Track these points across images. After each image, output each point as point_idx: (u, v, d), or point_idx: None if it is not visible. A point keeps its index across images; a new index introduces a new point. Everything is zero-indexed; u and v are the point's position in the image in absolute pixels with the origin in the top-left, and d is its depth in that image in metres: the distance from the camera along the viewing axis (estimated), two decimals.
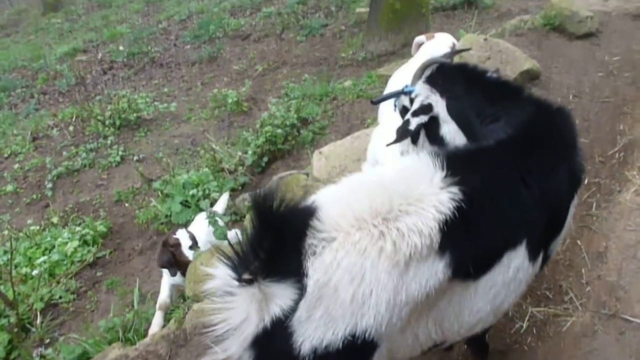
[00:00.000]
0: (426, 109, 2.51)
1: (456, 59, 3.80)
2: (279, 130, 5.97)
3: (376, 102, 2.69)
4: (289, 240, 1.54)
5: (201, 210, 5.21)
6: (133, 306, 4.62)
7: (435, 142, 2.66)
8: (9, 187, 7.54)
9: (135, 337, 3.83)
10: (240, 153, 6.31)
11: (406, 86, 2.64)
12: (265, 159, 5.99)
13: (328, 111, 6.66)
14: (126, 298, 4.74)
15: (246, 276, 1.50)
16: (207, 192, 5.28)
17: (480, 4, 8.87)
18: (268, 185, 4.96)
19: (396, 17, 8.05)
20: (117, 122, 8.10)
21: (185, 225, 5.27)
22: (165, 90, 9.62)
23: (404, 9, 7.97)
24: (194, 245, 3.53)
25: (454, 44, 3.42)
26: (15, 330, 4.38)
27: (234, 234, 4.50)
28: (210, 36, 11.50)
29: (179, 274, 3.62)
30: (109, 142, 7.85)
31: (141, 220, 6.01)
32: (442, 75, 2.46)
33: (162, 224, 5.52)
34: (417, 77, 2.53)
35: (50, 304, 4.82)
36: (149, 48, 11.59)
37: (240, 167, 5.97)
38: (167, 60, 11.17)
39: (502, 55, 4.47)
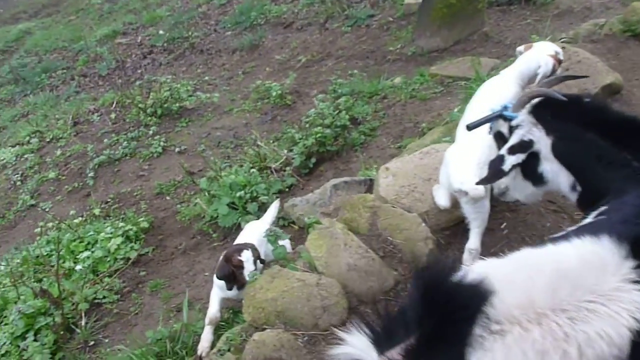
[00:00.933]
0: (526, 146, 2.24)
1: None
2: (328, 131, 5.72)
3: (472, 128, 2.43)
4: (454, 325, 1.29)
5: (248, 213, 5.04)
6: (179, 311, 4.51)
7: (531, 179, 2.39)
8: (51, 174, 7.52)
9: (184, 352, 3.71)
10: (286, 151, 6.11)
11: (506, 108, 2.36)
12: (313, 160, 5.77)
13: (379, 111, 6.38)
14: (170, 302, 4.62)
15: (395, 355, 1.27)
16: (254, 194, 5.09)
17: (538, 0, 8.39)
18: (321, 191, 4.73)
19: (450, 12, 7.65)
20: (159, 111, 7.97)
21: (232, 228, 5.14)
22: (206, 78, 9.44)
23: (459, 3, 7.57)
24: (257, 262, 3.32)
25: (557, 56, 3.08)
26: (61, 332, 4.31)
27: (286, 243, 4.32)
28: (251, 23, 11.23)
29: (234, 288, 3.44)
30: (150, 131, 7.73)
31: (184, 216, 5.88)
32: (551, 110, 2.17)
33: (207, 224, 5.37)
34: (521, 104, 2.25)
35: (94, 304, 4.73)
36: (189, 33, 11.40)
37: (287, 168, 5.76)
38: (208, 47, 10.96)
39: (582, 67, 4.12)
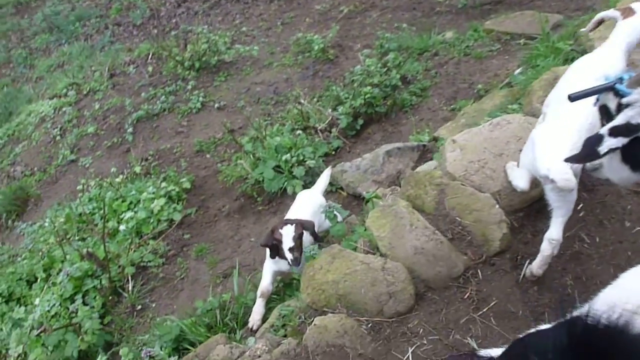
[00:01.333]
0: (632, 129, 1.94)
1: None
2: (377, 91, 5.42)
3: (576, 99, 2.12)
4: None
5: (294, 177, 4.86)
6: (225, 277, 4.45)
7: (630, 163, 2.11)
8: (90, 128, 7.45)
9: (234, 323, 3.64)
10: (330, 111, 5.84)
11: (621, 80, 2.05)
12: (361, 121, 5.50)
13: (430, 70, 6.01)
14: (216, 268, 4.55)
15: None
16: (301, 157, 4.89)
17: None
18: (373, 157, 4.50)
19: None
20: (197, 65, 7.73)
21: (277, 193, 4.98)
22: (244, 29, 9.09)
23: None
24: (304, 238, 3.17)
25: None
26: (109, 296, 4.29)
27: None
28: None
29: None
30: (189, 86, 7.53)
31: (226, 176, 5.75)
32: None
33: (251, 187, 5.22)
34: (638, 82, 1.95)
35: (140, 267, 4.69)
36: None
37: (333, 129, 5.51)
38: None
39: None
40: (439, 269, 2.69)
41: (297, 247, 3.17)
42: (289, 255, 3.16)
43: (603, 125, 2.13)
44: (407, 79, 5.89)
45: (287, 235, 3.15)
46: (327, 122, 5.64)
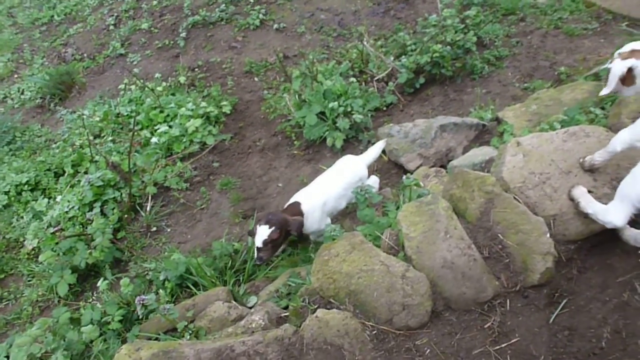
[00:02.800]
0: None
1: None
2: (447, 49, 4.89)
3: None
4: None
5: (337, 129, 4.53)
6: (245, 218, 4.30)
7: None
8: (145, 24, 7.18)
9: (242, 275, 3.53)
10: (392, 59, 5.37)
11: None
12: (422, 79, 5.03)
13: (512, 37, 5.38)
14: (238, 206, 4.39)
15: None
16: (349, 109, 4.53)
17: None
18: (425, 127, 4.11)
19: None
20: None
21: (316, 141, 4.68)
22: None
23: None
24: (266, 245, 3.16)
25: None
26: (126, 212, 4.22)
27: (374, 181, 3.85)
28: None
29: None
30: None
31: (269, 107, 5.47)
32: None
33: (290, 127, 4.94)
34: None
35: (162, 187, 4.58)
36: None
37: (390, 83, 5.08)
38: None
39: None
40: (464, 289, 2.41)
41: (267, 250, 3.16)
42: (255, 252, 3.16)
43: None
44: (483, 42, 5.30)
45: (260, 236, 3.12)
46: (386, 72, 5.19)
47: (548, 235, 2.49)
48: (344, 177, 3.51)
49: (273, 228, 3.14)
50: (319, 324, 2.39)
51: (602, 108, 3.48)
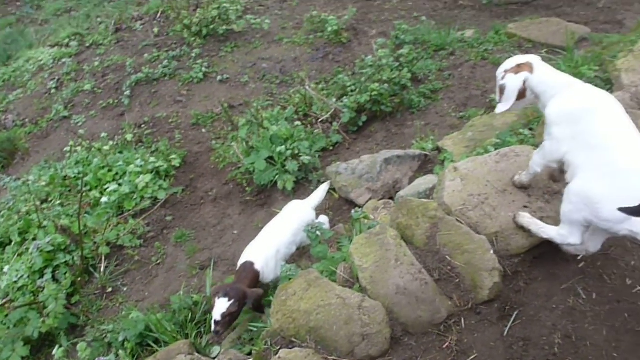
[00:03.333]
0: None
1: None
2: (385, 87, 5.13)
3: None
4: None
5: (286, 172, 4.63)
6: (202, 269, 4.28)
7: None
8: (87, 85, 7.18)
9: (203, 330, 3.49)
10: (334, 101, 5.57)
11: None
12: (364, 117, 5.24)
13: (444, 70, 5.70)
14: (194, 258, 4.38)
15: None
16: (296, 151, 4.65)
17: None
18: (370, 163, 4.26)
19: None
20: (204, 32, 7.41)
21: (267, 186, 4.76)
22: None
23: None
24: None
25: None
26: (80, 275, 4.12)
27: (324, 220, 3.94)
28: None
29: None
30: (194, 53, 7.22)
31: (219, 157, 5.52)
32: None
33: (241, 175, 5.01)
34: None
35: (116, 247, 4.51)
36: None
37: (334, 123, 5.25)
38: None
39: None
40: (420, 313, 2.50)
41: (224, 323, 3.10)
42: (212, 325, 3.10)
43: None
44: (418, 77, 5.60)
45: (218, 309, 3.07)
46: (329, 113, 5.37)
47: (492, 252, 2.62)
48: (291, 223, 3.59)
49: (232, 301, 3.11)
50: None
51: (530, 129, 3.74)
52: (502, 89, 2.63)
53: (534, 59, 2.63)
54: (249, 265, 3.42)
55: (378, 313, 2.46)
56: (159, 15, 8.63)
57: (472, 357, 2.49)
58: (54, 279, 4.17)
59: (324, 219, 3.92)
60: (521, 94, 2.58)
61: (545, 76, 2.54)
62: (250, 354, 2.85)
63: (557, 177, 2.90)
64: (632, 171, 2.21)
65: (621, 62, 3.66)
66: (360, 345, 2.42)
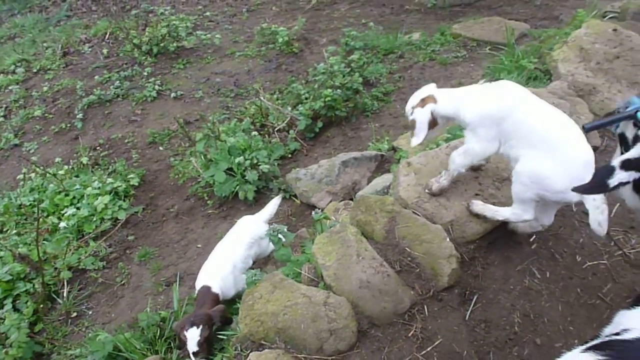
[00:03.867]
0: None
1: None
2: (339, 93, 5.23)
3: (591, 129, 2.03)
4: None
5: (246, 182, 4.65)
6: (168, 285, 4.25)
7: None
8: (37, 111, 7.03)
9: (172, 342, 3.46)
10: (290, 109, 5.64)
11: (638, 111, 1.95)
12: (320, 124, 5.33)
13: (394, 73, 5.86)
14: (159, 275, 4.33)
15: None
16: (255, 161, 4.68)
17: None
18: (329, 166, 4.34)
19: None
20: (155, 50, 7.39)
21: (228, 197, 4.77)
22: (208, 14, 8.75)
23: None
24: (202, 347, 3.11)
25: None
26: (42, 302, 4.02)
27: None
28: None
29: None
30: (145, 72, 7.19)
31: (178, 173, 5.50)
32: None
33: (201, 188, 5.00)
34: None
35: (78, 270, 4.43)
36: None
37: (291, 130, 5.32)
38: None
39: (635, 55, 3.63)
40: (384, 304, 2.56)
41: (203, 349, 3.09)
42: (192, 358, 3.08)
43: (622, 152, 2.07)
44: (370, 81, 5.73)
45: (192, 339, 3.06)
46: (285, 121, 5.44)
47: (448, 239, 2.72)
48: (243, 238, 3.63)
49: (201, 327, 3.11)
50: None
51: None
52: (413, 124, 2.74)
53: (433, 89, 2.77)
54: (206, 290, 3.43)
55: (343, 308, 2.51)
56: (107, 36, 8.54)
57: (437, 342, 2.57)
58: (15, 309, 4.05)
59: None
60: (433, 123, 2.72)
61: (448, 99, 2.69)
62: None
63: (478, 167, 3.06)
64: (567, 144, 2.37)
65: (557, 53, 3.86)
66: (328, 341, 2.47)
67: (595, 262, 2.96)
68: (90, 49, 8.36)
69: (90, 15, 10.05)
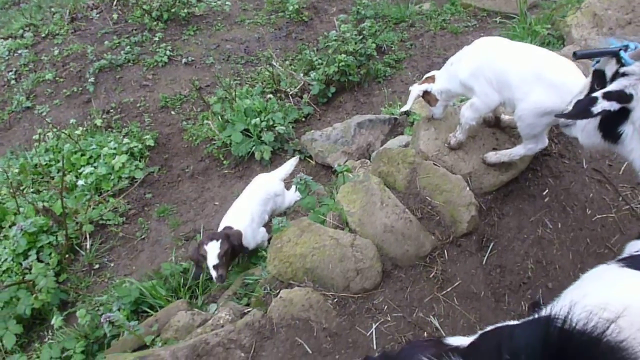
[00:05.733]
0: (623, 98, 1.96)
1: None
2: (351, 59, 5.32)
3: (581, 57, 2.14)
4: None
5: (262, 143, 4.77)
6: (187, 240, 4.38)
7: (604, 132, 2.15)
8: (48, 75, 7.05)
9: (196, 289, 3.61)
10: (302, 75, 5.73)
11: (627, 47, 2.05)
12: (333, 89, 5.42)
13: (405, 41, 5.94)
14: (178, 230, 4.47)
15: None
16: (271, 122, 4.79)
17: None
18: (344, 127, 4.45)
19: None
20: (165, 16, 7.40)
21: (244, 157, 4.89)
22: None
23: None
24: (223, 258, 3.23)
25: None
26: (65, 253, 4.16)
27: (293, 191, 4.12)
28: None
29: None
30: (156, 37, 7.20)
31: (191, 136, 5.60)
32: None
33: (217, 149, 5.10)
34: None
35: (99, 225, 4.56)
36: None
37: (304, 95, 5.42)
38: None
39: None
40: (407, 247, 2.71)
41: (223, 264, 3.21)
42: (213, 273, 3.20)
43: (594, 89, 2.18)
44: (382, 48, 5.81)
45: (212, 252, 3.18)
46: (298, 87, 5.53)
47: (467, 189, 2.86)
48: (259, 194, 3.76)
49: (220, 240, 3.25)
50: (284, 303, 2.58)
51: None
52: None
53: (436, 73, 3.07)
54: (229, 228, 3.56)
55: (369, 249, 2.66)
56: (115, 3, 8.51)
57: (456, 284, 2.73)
58: (39, 260, 4.19)
59: (293, 191, 4.12)
60: (433, 101, 3.05)
61: (442, 75, 3.01)
62: (248, 304, 3.00)
63: (492, 122, 3.18)
64: (553, 71, 2.50)
65: (570, 18, 3.96)
66: (355, 280, 2.62)
67: (603, 215, 3.12)
68: (98, 15, 8.33)
69: None
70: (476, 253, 2.85)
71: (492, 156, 2.92)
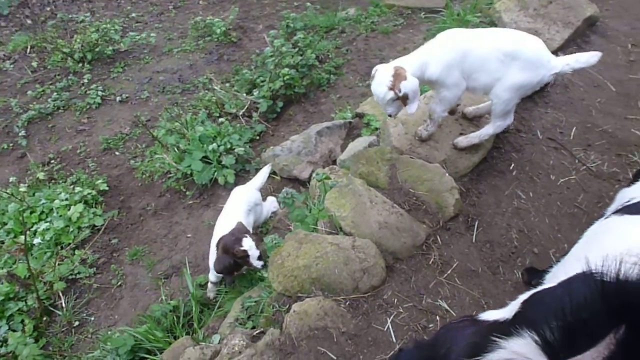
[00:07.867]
0: None
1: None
2: (294, 72, 5.41)
3: None
4: None
5: (224, 167, 4.74)
6: (167, 278, 4.28)
7: None
8: None
9: (194, 323, 3.54)
10: (246, 95, 5.74)
11: None
12: (280, 103, 5.48)
13: (340, 47, 6.11)
14: (155, 270, 4.35)
15: None
16: (229, 145, 4.77)
17: None
18: (304, 138, 4.52)
19: None
20: (89, 56, 7.17)
21: (208, 185, 4.84)
22: (133, 15, 8.56)
23: None
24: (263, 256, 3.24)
25: None
26: (41, 317, 3.94)
27: (272, 200, 4.14)
28: None
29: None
30: (84, 80, 6.97)
31: (143, 173, 5.46)
32: None
33: (177, 181, 5.01)
34: None
35: (70, 281, 4.35)
36: None
37: (254, 114, 5.44)
38: None
39: (564, 0, 4.10)
40: (403, 240, 2.82)
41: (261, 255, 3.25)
42: (258, 264, 3.24)
43: None
44: (319, 57, 5.94)
45: (252, 247, 3.20)
46: (245, 107, 5.54)
47: (447, 174, 3.01)
48: (240, 206, 3.75)
49: (245, 233, 3.29)
50: (299, 316, 2.60)
51: None
52: (406, 96, 2.84)
53: (393, 64, 2.90)
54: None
55: (370, 248, 2.74)
56: (29, 50, 8.15)
57: (455, 265, 2.86)
58: (11, 330, 3.94)
59: (272, 200, 4.14)
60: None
61: (413, 65, 2.86)
62: (254, 327, 2.98)
63: (455, 110, 3.40)
64: (532, 53, 2.74)
65: (499, 5, 4.26)
66: (362, 279, 2.69)
67: (566, 179, 3.38)
68: (12, 65, 7.94)
69: (1, 32, 9.49)
70: (465, 233, 3.01)
71: (463, 140, 3.10)
